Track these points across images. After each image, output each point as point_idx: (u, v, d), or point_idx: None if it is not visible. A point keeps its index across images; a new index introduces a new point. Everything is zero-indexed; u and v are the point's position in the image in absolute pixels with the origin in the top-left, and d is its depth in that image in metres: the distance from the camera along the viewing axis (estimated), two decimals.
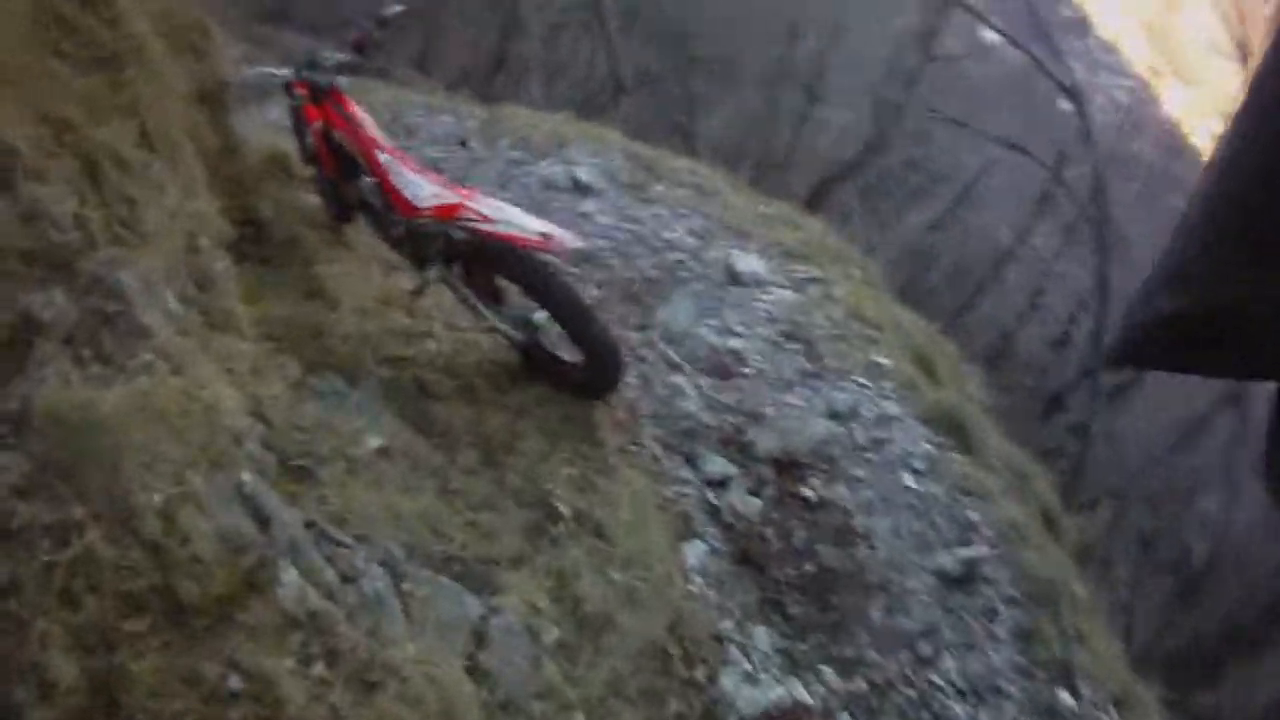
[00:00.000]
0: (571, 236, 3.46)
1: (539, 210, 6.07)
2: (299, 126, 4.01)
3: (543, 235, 3.38)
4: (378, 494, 3.02)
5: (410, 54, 11.49)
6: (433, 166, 3.91)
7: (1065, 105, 11.65)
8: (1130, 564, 11.54)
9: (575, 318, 3.67)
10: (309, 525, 2.50)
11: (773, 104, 10.82)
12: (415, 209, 3.64)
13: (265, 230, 3.94)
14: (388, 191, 3.72)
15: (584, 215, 5.81)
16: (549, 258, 3.55)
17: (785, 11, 10.60)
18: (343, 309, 3.98)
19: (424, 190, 3.64)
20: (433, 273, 3.81)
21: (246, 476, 2.12)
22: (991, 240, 12.23)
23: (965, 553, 4.56)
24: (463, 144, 6.83)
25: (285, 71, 3.91)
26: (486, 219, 3.44)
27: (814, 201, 9.75)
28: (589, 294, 5.07)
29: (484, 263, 3.70)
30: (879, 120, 10.09)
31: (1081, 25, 23.76)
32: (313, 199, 4.30)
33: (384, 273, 4.35)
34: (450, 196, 3.59)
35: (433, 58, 11.83)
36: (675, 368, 4.76)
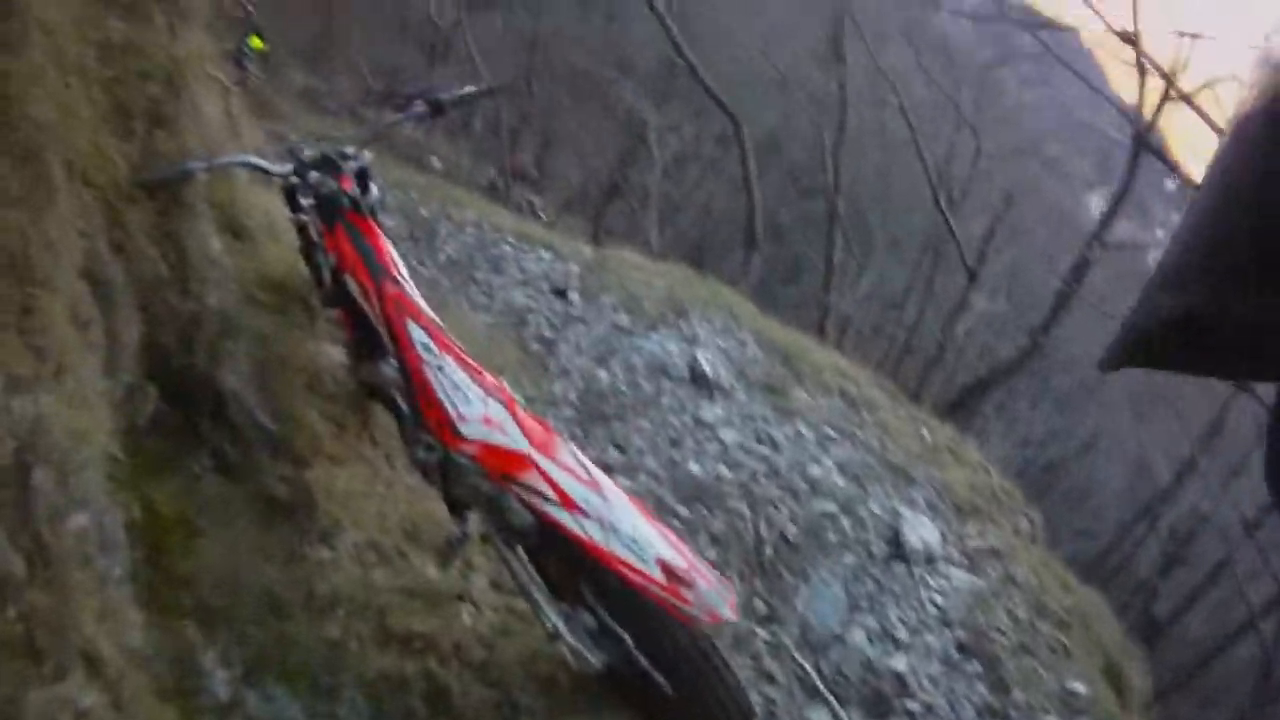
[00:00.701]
0: (728, 598, 2.02)
1: (644, 408, 4.71)
2: (309, 251, 2.64)
3: (670, 577, 1.96)
4: None
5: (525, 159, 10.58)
6: (494, 373, 2.44)
7: None
8: None
9: (694, 685, 2.23)
10: None
11: (920, 281, 9.39)
12: (457, 436, 2.26)
13: (230, 409, 2.56)
14: (418, 392, 2.34)
15: (704, 426, 4.41)
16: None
17: (945, 173, 9.26)
18: (340, 545, 2.65)
19: (475, 410, 2.26)
20: (472, 526, 2.40)
21: None
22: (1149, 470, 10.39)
23: None
24: (560, 293, 5.58)
25: (281, 167, 2.49)
26: (572, 509, 2.04)
27: (957, 405, 8.19)
28: (706, 556, 3.63)
29: (559, 558, 2.28)
30: (1045, 313, 8.54)
31: None
32: (334, 352, 2.96)
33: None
34: (513, 437, 2.19)
35: (544, 169, 10.86)
36: (815, 697, 3.25)
